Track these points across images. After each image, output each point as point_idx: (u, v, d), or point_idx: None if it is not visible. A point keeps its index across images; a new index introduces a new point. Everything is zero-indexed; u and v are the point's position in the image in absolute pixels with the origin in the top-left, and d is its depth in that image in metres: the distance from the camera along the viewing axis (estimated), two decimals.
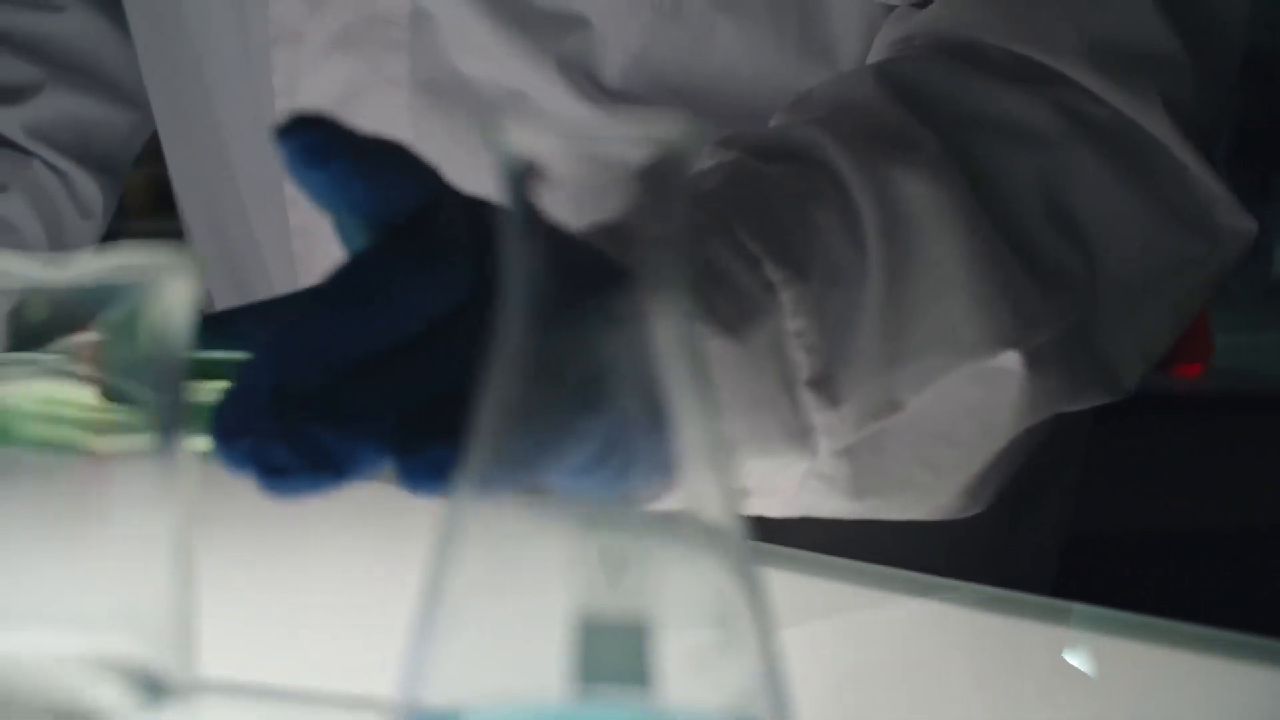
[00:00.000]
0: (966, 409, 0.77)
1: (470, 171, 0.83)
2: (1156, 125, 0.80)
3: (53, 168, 1.04)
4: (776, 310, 0.71)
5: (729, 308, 0.70)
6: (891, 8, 0.86)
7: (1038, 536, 0.99)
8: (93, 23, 1.05)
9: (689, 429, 0.42)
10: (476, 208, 0.57)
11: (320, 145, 0.53)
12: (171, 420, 0.43)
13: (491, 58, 0.87)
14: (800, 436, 0.73)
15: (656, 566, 0.41)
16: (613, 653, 0.41)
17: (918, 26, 0.83)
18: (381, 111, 0.89)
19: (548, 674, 0.40)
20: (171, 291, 0.42)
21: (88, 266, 0.42)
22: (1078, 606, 0.71)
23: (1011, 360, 0.76)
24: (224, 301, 1.02)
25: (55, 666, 0.42)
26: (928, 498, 0.79)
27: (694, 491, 0.42)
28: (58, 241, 1.02)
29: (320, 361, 0.51)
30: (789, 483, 0.75)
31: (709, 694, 0.41)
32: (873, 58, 0.86)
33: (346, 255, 0.55)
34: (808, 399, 0.73)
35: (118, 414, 0.43)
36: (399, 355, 0.53)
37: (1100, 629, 0.69)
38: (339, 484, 0.52)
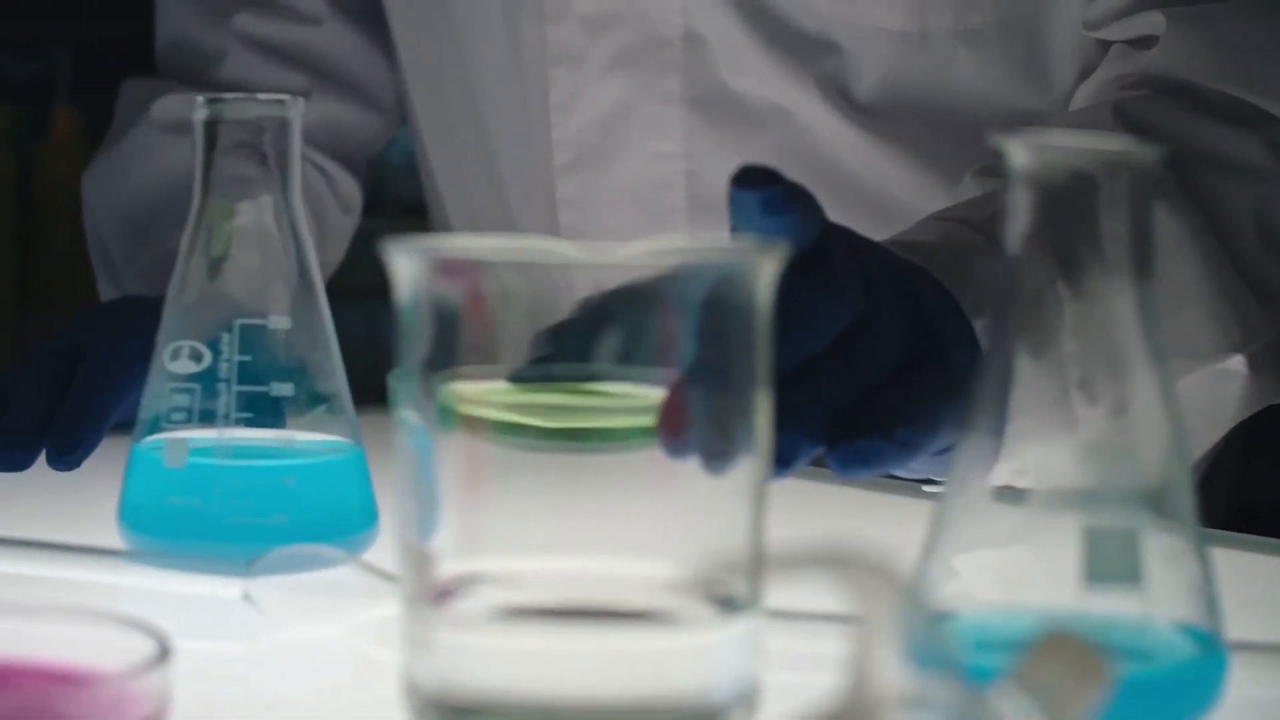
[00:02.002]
0: (1197, 407, 0.89)
1: None
2: None
3: (317, 167, 1.14)
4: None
5: None
6: (1107, 44, 0.97)
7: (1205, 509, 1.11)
8: (349, 36, 1.15)
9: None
10: (853, 239, 0.69)
11: (779, 197, 0.64)
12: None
13: (758, 76, 0.98)
14: (1069, 429, 0.84)
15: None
16: (1113, 555, 0.53)
17: (1138, 66, 0.94)
18: (654, 126, 1.00)
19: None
20: (762, 274, 0.52)
21: (644, 251, 0.52)
22: None
23: (1236, 363, 0.89)
24: None
25: (652, 588, 0.52)
26: None
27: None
28: (323, 235, 1.12)
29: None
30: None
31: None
32: (1092, 89, 0.97)
33: None
34: (1076, 398, 0.84)
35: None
36: (819, 364, 0.65)
37: None
38: (786, 473, 0.63)
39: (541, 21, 1.01)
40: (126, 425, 0.90)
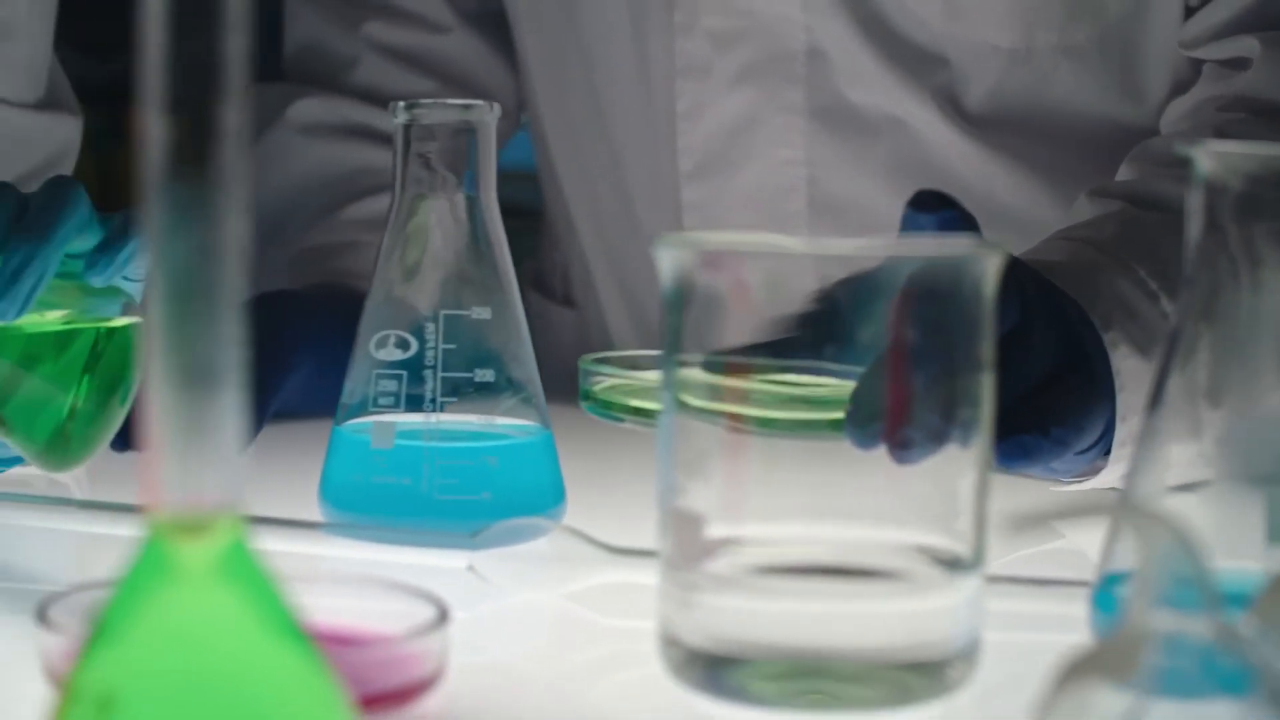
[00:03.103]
0: None
1: (853, 183, 1.03)
2: None
3: None
4: None
5: (1139, 334, 0.86)
6: (1199, 62, 1.03)
7: None
8: (474, 43, 1.20)
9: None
10: (1010, 259, 0.75)
11: (953, 220, 0.69)
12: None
13: (876, 88, 1.04)
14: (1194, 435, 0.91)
15: None
16: None
17: (1233, 89, 1.00)
18: (777, 135, 1.06)
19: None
20: (989, 268, 0.58)
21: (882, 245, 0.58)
22: None
23: None
24: (610, 300, 1.18)
25: (888, 551, 0.58)
26: None
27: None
28: None
29: None
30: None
31: None
32: (1186, 107, 1.03)
33: None
34: (1201, 405, 0.90)
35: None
36: None
37: None
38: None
39: (670, 36, 1.07)
40: (280, 414, 0.95)
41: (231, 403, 0.43)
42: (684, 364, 0.58)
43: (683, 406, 0.58)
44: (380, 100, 1.18)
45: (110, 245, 0.82)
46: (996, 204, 1.05)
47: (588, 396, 0.84)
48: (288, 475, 0.88)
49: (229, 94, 0.42)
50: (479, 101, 0.79)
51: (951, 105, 1.05)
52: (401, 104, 0.79)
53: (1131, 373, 0.83)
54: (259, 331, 0.95)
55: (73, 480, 0.87)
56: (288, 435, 0.93)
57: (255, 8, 0.43)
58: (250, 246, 1.20)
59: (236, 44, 0.43)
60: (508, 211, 0.80)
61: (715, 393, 0.58)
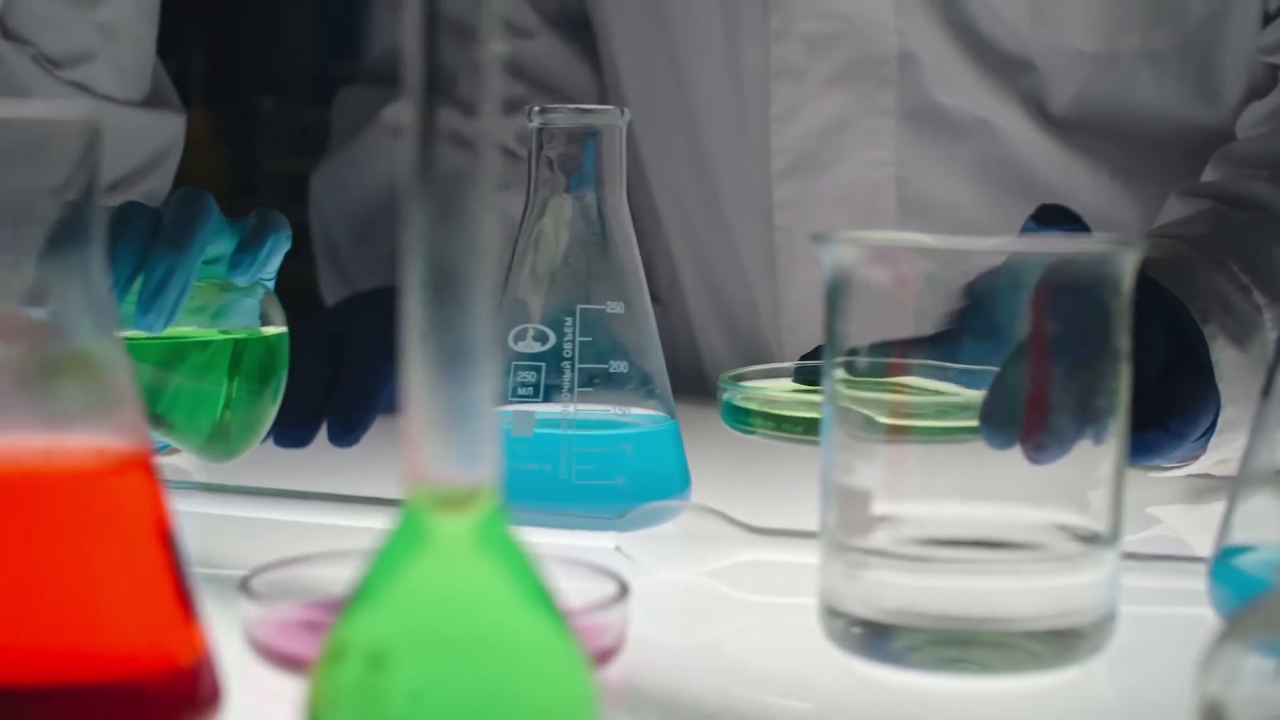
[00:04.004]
0: None
1: (940, 182, 1.07)
2: None
3: None
4: (1264, 326, 0.92)
5: (1235, 326, 0.89)
6: (1275, 68, 1.07)
7: None
8: (559, 47, 1.24)
9: None
10: None
11: (1076, 234, 0.73)
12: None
13: (965, 91, 1.08)
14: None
15: None
16: None
17: None
18: (869, 136, 1.10)
19: None
20: (1129, 263, 0.62)
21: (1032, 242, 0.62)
22: None
23: None
24: (695, 296, 1.22)
25: (1035, 528, 0.62)
26: None
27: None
28: None
29: None
30: None
31: None
32: (1261, 112, 1.07)
33: None
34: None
35: None
36: None
37: None
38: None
39: (765, 41, 1.11)
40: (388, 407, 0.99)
41: (486, 385, 0.46)
42: (845, 354, 0.62)
43: (844, 394, 0.62)
44: None
45: (250, 246, 0.86)
46: (1077, 203, 1.08)
47: (725, 409, 0.87)
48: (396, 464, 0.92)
49: (486, 101, 0.46)
50: (607, 107, 0.83)
51: (1037, 108, 1.09)
52: (535, 109, 0.82)
53: (1229, 363, 0.87)
54: (362, 328, 1.00)
55: (228, 470, 0.90)
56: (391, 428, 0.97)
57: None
58: (346, 245, 1.24)
59: (494, 52, 0.46)
60: None
61: (874, 384, 0.62)
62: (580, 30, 1.24)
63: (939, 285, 0.61)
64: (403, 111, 1.22)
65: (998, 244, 0.64)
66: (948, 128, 1.10)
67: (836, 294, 0.62)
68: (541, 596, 0.47)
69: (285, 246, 0.86)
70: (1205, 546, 0.69)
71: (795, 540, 0.73)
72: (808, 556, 0.71)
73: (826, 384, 0.63)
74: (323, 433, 0.94)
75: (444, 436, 0.46)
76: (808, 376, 0.85)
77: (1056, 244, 0.68)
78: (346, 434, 0.95)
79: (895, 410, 0.62)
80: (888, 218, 1.11)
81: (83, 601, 0.52)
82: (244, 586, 0.61)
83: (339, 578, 0.64)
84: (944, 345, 0.61)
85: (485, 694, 0.46)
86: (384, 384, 0.98)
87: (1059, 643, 0.61)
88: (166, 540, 0.53)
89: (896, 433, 0.62)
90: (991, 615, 0.61)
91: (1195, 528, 0.86)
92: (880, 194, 1.11)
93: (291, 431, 0.94)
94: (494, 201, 0.46)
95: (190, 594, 0.53)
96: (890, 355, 0.62)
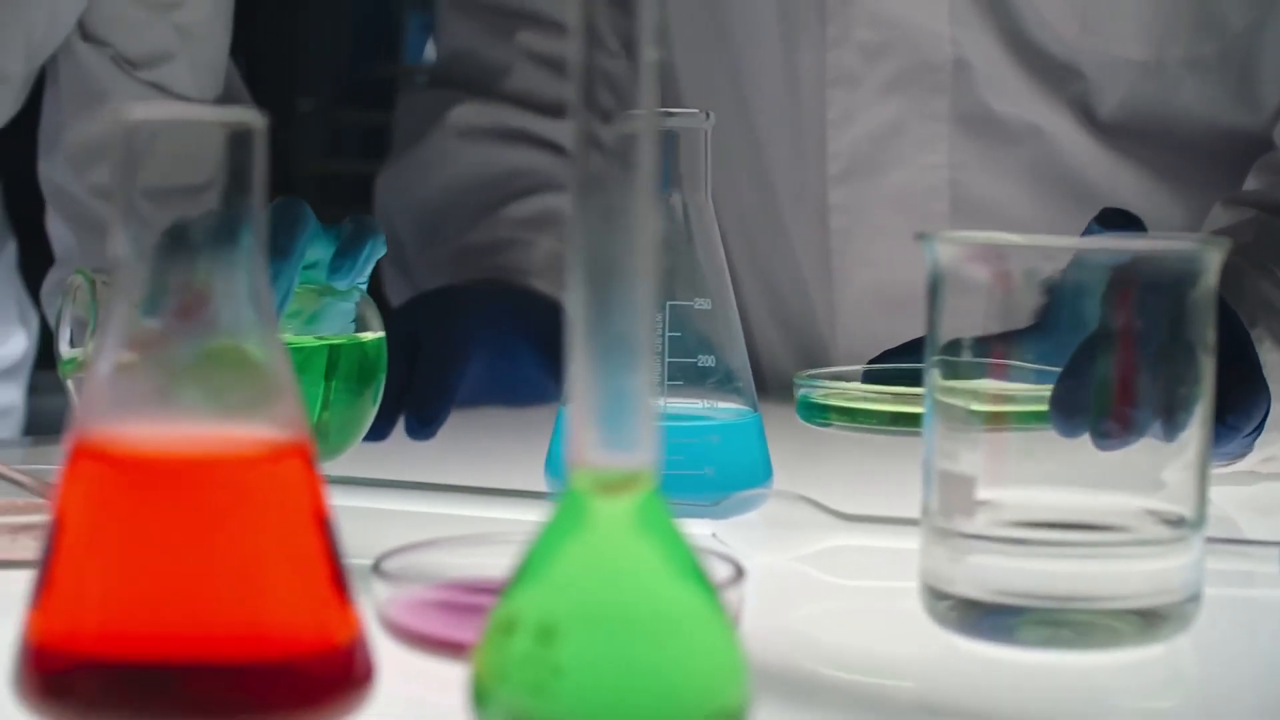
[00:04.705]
0: None
1: (992, 185, 1.10)
2: None
3: None
4: None
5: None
6: None
7: None
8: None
9: None
10: None
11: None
12: None
13: (1017, 98, 1.12)
14: None
15: None
16: None
17: None
18: (923, 141, 1.13)
19: None
20: (1213, 261, 0.65)
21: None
22: None
23: None
24: (751, 294, 1.25)
25: (1126, 513, 0.65)
26: None
27: None
28: None
29: None
30: None
31: None
32: None
33: None
34: None
35: None
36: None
37: None
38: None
39: (822, 48, 1.14)
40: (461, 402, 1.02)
41: (646, 374, 0.50)
42: (946, 348, 0.65)
43: (945, 385, 0.65)
44: (533, 105, 1.26)
45: (349, 251, 0.89)
46: (1123, 205, 1.12)
47: (801, 404, 0.91)
48: (480, 456, 0.96)
49: (648, 106, 0.50)
50: (690, 110, 0.86)
51: (1085, 114, 1.13)
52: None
53: (1275, 365, 0.91)
54: (432, 326, 1.03)
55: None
56: (464, 422, 1.01)
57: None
58: (412, 246, 1.28)
59: (650, 59, 0.50)
60: None
61: (973, 375, 0.65)
62: None
63: (1035, 281, 0.64)
64: (467, 114, 1.25)
65: (1092, 242, 0.67)
66: (999, 132, 1.13)
67: (937, 290, 0.65)
68: (697, 575, 0.50)
69: (381, 251, 0.89)
70: (1260, 531, 0.73)
71: (882, 526, 0.76)
72: (894, 541, 0.75)
73: (928, 376, 0.66)
74: (399, 427, 0.98)
75: (605, 424, 0.49)
76: (876, 378, 0.88)
77: (1147, 242, 0.71)
78: (423, 428, 0.98)
79: (994, 400, 0.65)
80: (941, 220, 1.14)
81: (250, 583, 0.54)
82: (377, 569, 0.65)
83: (462, 562, 0.68)
84: (1038, 338, 0.64)
85: (647, 665, 0.49)
86: (456, 380, 1.02)
87: (1148, 621, 0.65)
88: (323, 526, 0.56)
89: (996, 421, 0.65)
90: (1086, 594, 0.64)
91: (1248, 513, 0.90)
92: (934, 197, 1.15)
93: (371, 426, 0.97)
94: (651, 201, 0.49)
95: (345, 577, 0.56)
96: (989, 348, 0.65)
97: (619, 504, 0.50)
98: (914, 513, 0.68)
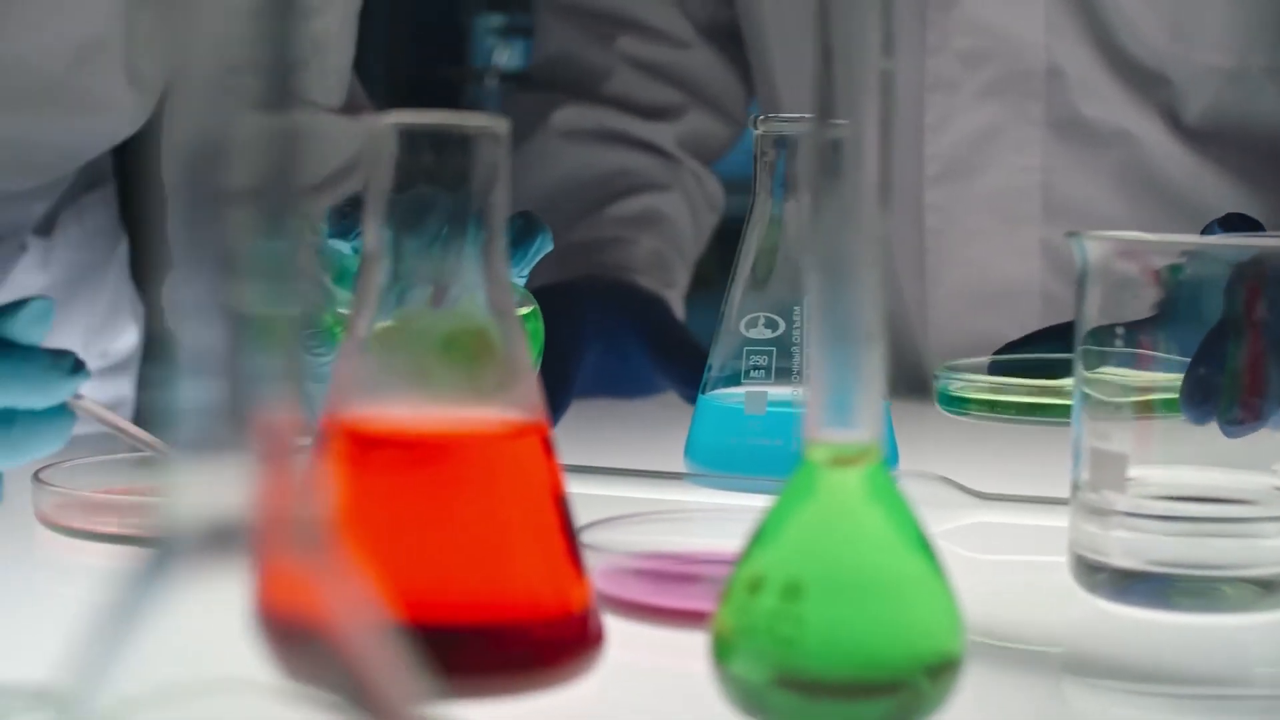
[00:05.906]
0: None
1: (1083, 188, 1.16)
2: None
3: (692, 172, 1.32)
4: None
5: None
6: None
7: None
8: (712, 57, 1.33)
9: None
10: None
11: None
12: None
13: (1108, 104, 1.18)
14: None
15: None
16: None
17: None
18: (1017, 144, 1.19)
19: None
20: None
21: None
22: None
23: None
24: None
25: (1255, 490, 0.71)
26: None
27: None
28: (696, 230, 1.31)
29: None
30: None
31: None
32: None
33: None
34: None
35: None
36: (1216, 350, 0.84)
37: None
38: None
39: (921, 54, 1.20)
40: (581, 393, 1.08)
41: (876, 355, 0.55)
42: (1095, 337, 0.71)
43: (1097, 370, 0.71)
44: (632, 108, 1.31)
45: (519, 244, 0.94)
46: (1208, 209, 1.18)
47: (941, 395, 0.96)
48: (601, 445, 1.01)
49: (870, 109, 0.55)
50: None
51: (1172, 119, 1.19)
52: (760, 117, 0.91)
53: None
54: (551, 319, 1.08)
55: None
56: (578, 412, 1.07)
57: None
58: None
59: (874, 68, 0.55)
60: (738, 218, 0.92)
61: (1120, 361, 0.71)
62: (729, 40, 1.33)
63: (1180, 276, 0.70)
64: (571, 116, 1.31)
65: (1233, 240, 0.73)
66: (1090, 136, 1.19)
67: (1085, 283, 0.71)
68: (921, 540, 0.56)
69: (548, 247, 0.94)
70: None
71: (1018, 504, 0.82)
72: (1030, 518, 0.81)
73: (1078, 362, 0.72)
74: None
75: (838, 401, 0.55)
76: (1002, 369, 0.93)
77: (1275, 240, 0.77)
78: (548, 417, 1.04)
79: (1142, 386, 0.71)
80: (1033, 220, 1.20)
81: (496, 554, 0.60)
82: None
83: (645, 538, 0.73)
84: (1178, 328, 0.70)
85: (881, 618, 0.54)
86: (576, 371, 1.07)
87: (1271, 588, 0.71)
88: (559, 501, 0.62)
89: (1143, 407, 0.71)
90: (1224, 563, 0.70)
91: None
92: (1026, 199, 1.21)
93: None
94: (875, 198, 0.55)
95: (579, 549, 0.62)
96: (1135, 336, 0.71)
97: (849, 475, 0.55)
98: (1041, 493, 0.72)
